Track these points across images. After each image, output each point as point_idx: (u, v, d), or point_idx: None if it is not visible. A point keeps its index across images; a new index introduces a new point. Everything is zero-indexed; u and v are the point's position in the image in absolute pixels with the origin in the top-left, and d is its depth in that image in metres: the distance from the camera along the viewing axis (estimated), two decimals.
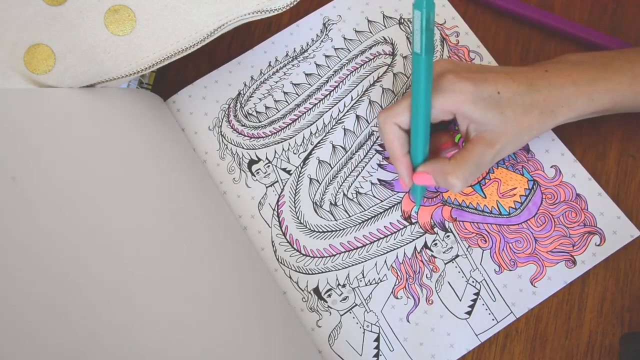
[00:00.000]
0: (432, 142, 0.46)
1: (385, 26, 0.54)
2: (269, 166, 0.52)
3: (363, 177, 0.51)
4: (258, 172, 0.52)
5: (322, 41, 0.55)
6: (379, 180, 0.51)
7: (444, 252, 0.48)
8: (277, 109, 0.53)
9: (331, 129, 0.52)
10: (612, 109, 0.45)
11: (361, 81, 0.53)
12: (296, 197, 0.51)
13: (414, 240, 0.49)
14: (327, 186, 0.51)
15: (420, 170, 0.45)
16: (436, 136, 0.47)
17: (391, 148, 0.45)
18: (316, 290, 0.48)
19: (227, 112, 0.53)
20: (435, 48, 0.53)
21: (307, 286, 0.48)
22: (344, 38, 0.54)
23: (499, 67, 0.46)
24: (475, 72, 0.44)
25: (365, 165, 0.51)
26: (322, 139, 0.52)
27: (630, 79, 0.44)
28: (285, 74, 0.54)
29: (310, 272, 0.49)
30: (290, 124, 0.53)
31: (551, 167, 0.50)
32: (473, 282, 0.47)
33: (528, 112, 0.43)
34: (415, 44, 0.40)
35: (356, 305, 0.48)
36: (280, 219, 0.50)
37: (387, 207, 0.50)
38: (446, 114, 0.44)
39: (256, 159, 0.52)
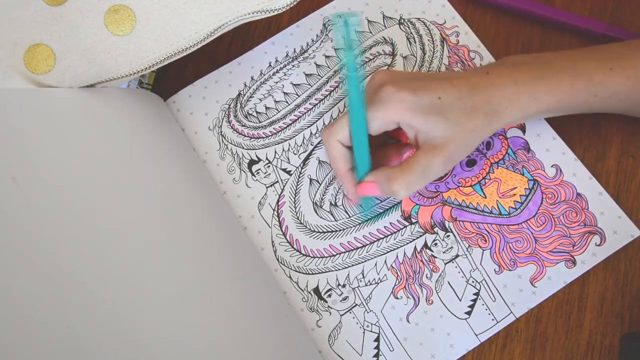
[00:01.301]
0: (379, 158, 0.47)
1: (385, 26, 0.54)
2: (269, 166, 0.52)
3: None
4: (258, 172, 0.52)
5: (322, 41, 0.55)
6: None
7: (444, 252, 0.48)
8: (277, 110, 0.53)
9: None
10: (557, 109, 0.45)
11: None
12: (296, 198, 0.51)
13: (414, 240, 0.49)
14: (327, 186, 0.51)
15: (366, 179, 0.45)
16: (383, 152, 0.48)
17: (334, 165, 0.46)
18: (316, 290, 0.48)
19: (227, 112, 0.53)
20: (435, 49, 0.53)
21: (307, 286, 0.48)
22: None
23: (441, 73, 0.47)
24: (415, 80, 0.44)
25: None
26: (322, 140, 0.52)
27: (571, 78, 0.44)
28: (285, 75, 0.54)
29: (310, 272, 0.49)
30: (290, 124, 0.53)
31: (552, 166, 0.50)
32: (473, 282, 0.47)
33: (472, 114, 0.43)
34: (347, 61, 0.41)
35: (356, 305, 0.48)
36: (281, 219, 0.50)
37: (387, 207, 0.50)
38: (388, 124, 0.44)
39: (256, 159, 0.52)
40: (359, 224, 0.50)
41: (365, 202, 0.48)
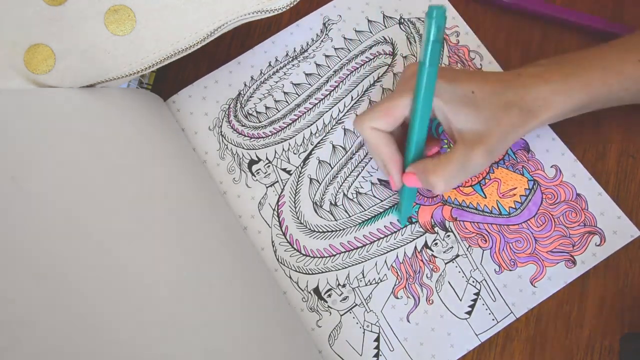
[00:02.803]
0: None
1: (385, 26, 0.54)
2: (269, 166, 0.52)
3: (363, 177, 0.51)
4: (258, 172, 0.52)
5: (322, 41, 0.55)
6: (379, 180, 0.51)
7: (444, 252, 0.48)
8: (277, 109, 0.53)
9: (331, 129, 0.52)
10: (589, 105, 0.45)
11: (361, 81, 0.53)
12: (296, 197, 0.51)
13: (414, 239, 0.49)
14: (327, 186, 0.51)
15: (408, 170, 0.45)
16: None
17: (376, 151, 0.45)
18: (316, 290, 0.48)
19: (227, 112, 0.53)
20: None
21: (307, 286, 0.48)
22: (344, 38, 0.54)
23: (474, 70, 0.46)
24: (450, 71, 0.44)
25: (365, 165, 0.51)
26: (322, 139, 0.52)
27: (601, 72, 0.44)
28: (285, 74, 0.54)
29: (310, 272, 0.49)
30: (290, 124, 0.53)
31: (551, 166, 0.50)
32: (473, 282, 0.47)
33: (507, 110, 0.43)
34: (422, 53, 0.40)
35: (356, 305, 0.48)
36: (280, 219, 0.50)
37: (387, 207, 0.50)
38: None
39: (256, 159, 0.52)
40: (359, 223, 0.50)
41: (406, 193, 0.47)
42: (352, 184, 0.51)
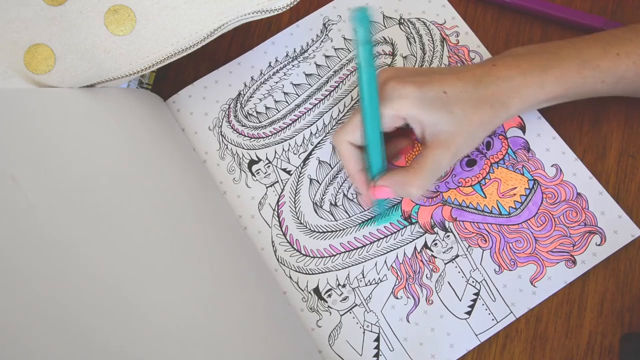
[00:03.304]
0: (392, 147, 0.47)
1: (385, 26, 0.54)
2: (269, 166, 0.52)
3: None
4: (258, 173, 0.52)
5: (322, 41, 0.55)
6: None
7: (444, 252, 0.48)
8: (277, 109, 0.53)
9: (331, 129, 0.52)
10: (564, 96, 0.45)
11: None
12: (296, 198, 0.51)
13: (414, 240, 0.49)
14: (327, 186, 0.51)
15: (380, 184, 0.45)
16: (395, 142, 0.48)
17: (346, 166, 0.46)
18: (316, 290, 0.48)
19: (227, 112, 0.53)
20: (435, 49, 0.53)
21: (307, 286, 0.48)
22: (344, 38, 0.54)
23: (446, 68, 0.46)
24: (420, 75, 0.44)
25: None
26: (322, 140, 0.52)
27: (578, 65, 0.44)
28: (285, 75, 0.54)
29: (311, 272, 0.49)
30: (290, 124, 0.53)
31: (552, 166, 0.50)
32: (473, 282, 0.47)
33: (478, 107, 0.43)
34: (364, 56, 0.40)
35: (356, 305, 0.48)
36: (281, 219, 0.50)
37: (387, 207, 0.50)
38: (396, 120, 0.44)
39: (256, 159, 0.52)
40: (359, 224, 0.50)
41: (380, 204, 0.48)
42: (352, 184, 0.51)
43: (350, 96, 0.53)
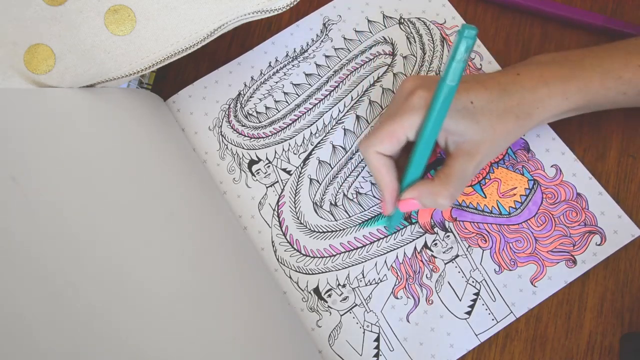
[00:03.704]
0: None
1: (385, 26, 0.54)
2: (269, 166, 0.52)
3: (363, 177, 0.51)
4: (258, 173, 0.52)
5: (322, 41, 0.55)
6: None
7: (444, 252, 0.48)
8: (277, 109, 0.53)
9: (331, 129, 0.52)
10: (586, 107, 0.45)
11: (361, 81, 0.53)
12: (296, 198, 0.51)
13: (414, 240, 0.49)
14: (327, 186, 0.51)
15: (406, 196, 0.44)
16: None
17: (378, 176, 0.45)
18: (316, 290, 0.48)
19: (227, 112, 0.53)
20: (435, 49, 0.53)
21: (307, 286, 0.48)
22: (344, 38, 0.54)
23: (470, 75, 0.46)
24: None
25: (365, 165, 0.51)
26: (322, 139, 0.52)
27: (600, 75, 0.44)
28: (285, 74, 0.54)
29: (311, 272, 0.49)
30: (290, 124, 0.53)
31: (552, 166, 0.50)
32: (473, 282, 0.47)
33: (503, 117, 0.43)
34: (453, 73, 0.39)
35: (356, 305, 0.48)
36: (281, 219, 0.50)
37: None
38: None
39: (256, 159, 0.52)
40: (359, 224, 0.50)
41: (395, 220, 0.48)
42: (352, 184, 0.51)
43: (350, 96, 0.53)
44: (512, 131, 0.44)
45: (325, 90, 0.53)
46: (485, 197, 0.49)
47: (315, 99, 0.53)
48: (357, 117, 0.52)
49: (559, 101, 0.44)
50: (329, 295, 0.48)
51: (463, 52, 0.38)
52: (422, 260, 0.48)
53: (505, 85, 0.44)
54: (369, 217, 0.50)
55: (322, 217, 0.50)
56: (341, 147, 0.52)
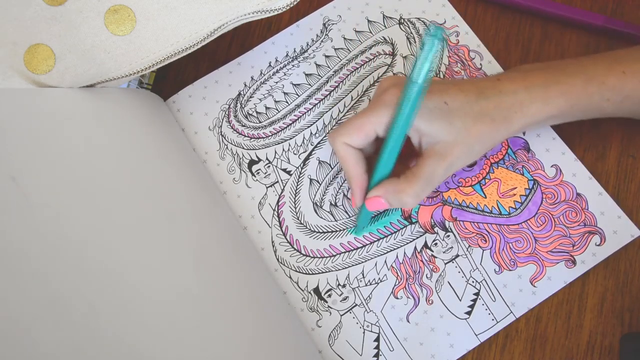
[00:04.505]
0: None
1: (385, 26, 0.54)
2: (269, 166, 0.52)
3: None
4: (258, 173, 0.52)
5: (322, 41, 0.55)
6: None
7: (444, 252, 0.48)
8: (277, 110, 0.53)
9: (331, 129, 0.52)
10: (569, 113, 0.45)
11: (361, 81, 0.53)
12: (296, 198, 0.51)
13: (414, 240, 0.49)
14: (327, 186, 0.51)
15: (373, 194, 0.44)
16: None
17: (346, 167, 0.45)
18: (316, 290, 0.48)
19: (227, 113, 0.53)
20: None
21: (307, 286, 0.48)
22: (344, 38, 0.54)
23: (449, 79, 0.46)
24: None
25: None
26: (322, 140, 0.52)
27: (583, 81, 0.44)
28: (285, 75, 0.54)
29: (311, 272, 0.49)
30: (290, 124, 0.53)
31: (552, 166, 0.50)
32: (473, 282, 0.47)
33: (478, 120, 0.43)
34: (418, 71, 0.40)
35: (356, 305, 0.48)
36: (281, 219, 0.50)
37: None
38: None
39: (256, 159, 0.52)
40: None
41: (362, 220, 0.48)
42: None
43: (350, 96, 0.53)
44: (488, 135, 0.43)
45: (325, 90, 0.53)
46: (485, 197, 0.49)
47: (315, 99, 0.53)
48: None
49: (540, 106, 0.44)
50: (329, 295, 0.48)
51: (429, 52, 0.39)
52: (422, 260, 0.48)
53: (484, 88, 0.44)
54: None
55: (322, 217, 0.50)
56: None
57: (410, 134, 0.44)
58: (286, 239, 0.50)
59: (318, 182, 0.51)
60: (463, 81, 0.45)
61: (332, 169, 0.51)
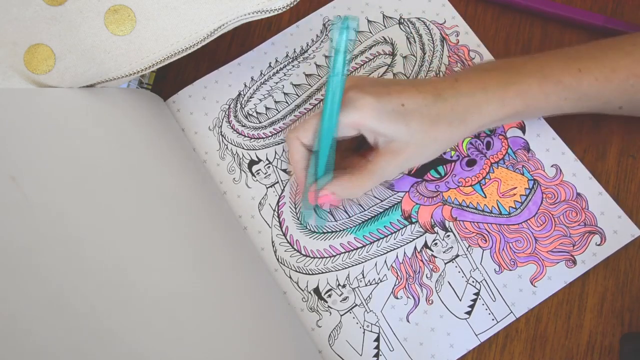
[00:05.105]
0: (344, 167, 0.47)
1: (385, 26, 0.54)
2: (269, 167, 0.52)
3: None
4: (258, 173, 0.52)
5: (322, 42, 0.55)
6: None
7: (444, 252, 0.48)
8: (277, 110, 0.53)
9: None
10: (524, 112, 0.45)
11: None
12: (296, 198, 0.51)
13: (414, 239, 0.49)
14: None
15: (325, 192, 0.45)
16: (350, 162, 0.47)
17: (292, 162, 0.46)
18: (316, 291, 0.48)
19: (227, 113, 0.53)
20: (435, 49, 0.53)
21: (307, 286, 0.48)
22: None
23: (408, 80, 0.46)
24: (380, 85, 0.44)
25: None
26: None
27: (539, 80, 0.44)
28: (285, 75, 0.54)
29: (311, 273, 0.49)
30: (290, 124, 0.53)
31: (552, 166, 0.50)
32: (473, 282, 0.47)
33: (435, 122, 0.43)
34: (332, 64, 0.41)
35: (356, 305, 0.48)
36: (281, 219, 0.50)
37: (387, 207, 0.50)
38: (350, 129, 0.44)
39: (256, 159, 0.52)
40: (359, 224, 0.49)
41: (306, 207, 0.48)
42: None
43: None
44: (444, 138, 0.44)
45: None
46: (485, 197, 0.49)
47: (315, 99, 0.53)
48: None
49: (496, 107, 0.44)
50: (329, 296, 0.48)
51: (341, 43, 0.40)
52: (422, 260, 0.48)
53: (441, 90, 0.44)
54: (370, 216, 0.49)
55: (322, 218, 0.50)
56: None
57: (366, 134, 0.44)
58: (286, 239, 0.50)
59: None
60: (421, 81, 0.46)
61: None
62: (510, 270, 0.47)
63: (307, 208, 0.48)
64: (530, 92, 0.44)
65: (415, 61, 0.53)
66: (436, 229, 0.49)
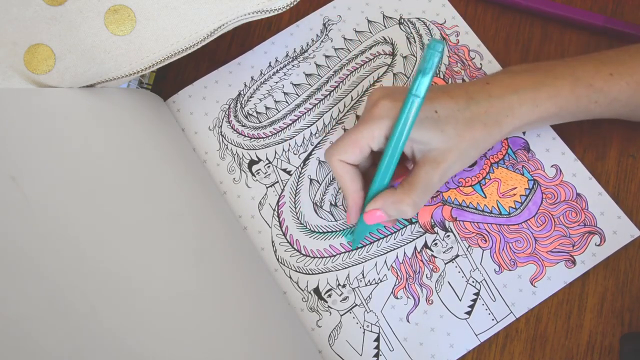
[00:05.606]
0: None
1: (385, 26, 0.54)
2: (269, 167, 0.52)
3: None
4: (258, 173, 0.52)
5: (322, 41, 0.55)
6: None
7: (444, 252, 0.48)
8: (277, 110, 0.53)
9: (331, 129, 0.52)
10: (557, 115, 0.45)
11: (361, 81, 0.53)
12: (296, 198, 0.51)
13: (414, 240, 0.49)
14: (327, 187, 0.51)
15: (372, 207, 0.44)
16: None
17: (342, 184, 0.45)
18: (316, 291, 0.48)
19: (227, 113, 0.53)
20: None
21: (307, 286, 0.48)
22: (344, 38, 0.54)
23: (437, 86, 0.46)
24: None
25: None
26: (322, 140, 0.52)
27: (571, 83, 0.44)
28: (285, 75, 0.54)
29: (311, 272, 0.49)
30: (290, 124, 0.53)
31: (552, 166, 0.50)
32: (473, 282, 0.47)
33: (470, 125, 0.43)
34: (418, 85, 0.39)
35: (356, 305, 0.48)
36: (281, 219, 0.50)
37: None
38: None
39: (256, 159, 0.52)
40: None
41: (359, 234, 0.48)
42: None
43: (350, 96, 0.53)
44: (481, 139, 0.44)
45: (325, 91, 0.53)
46: (485, 197, 0.49)
47: (315, 99, 0.53)
48: (357, 117, 0.52)
49: (529, 108, 0.44)
50: (329, 295, 0.48)
51: (432, 66, 0.38)
52: (422, 260, 0.48)
53: (473, 93, 0.44)
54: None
55: (322, 218, 0.50)
56: None
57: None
58: (286, 239, 0.50)
59: (318, 182, 0.51)
60: (451, 87, 0.45)
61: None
62: (510, 270, 0.47)
63: (363, 231, 0.47)
64: (562, 95, 0.44)
65: (415, 61, 0.53)
66: (436, 229, 0.49)
